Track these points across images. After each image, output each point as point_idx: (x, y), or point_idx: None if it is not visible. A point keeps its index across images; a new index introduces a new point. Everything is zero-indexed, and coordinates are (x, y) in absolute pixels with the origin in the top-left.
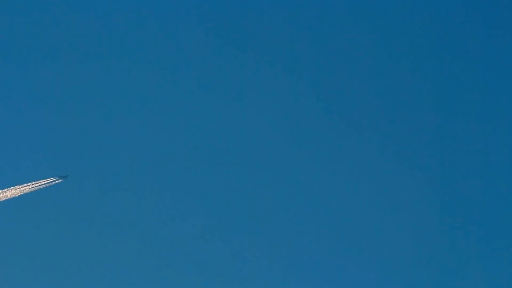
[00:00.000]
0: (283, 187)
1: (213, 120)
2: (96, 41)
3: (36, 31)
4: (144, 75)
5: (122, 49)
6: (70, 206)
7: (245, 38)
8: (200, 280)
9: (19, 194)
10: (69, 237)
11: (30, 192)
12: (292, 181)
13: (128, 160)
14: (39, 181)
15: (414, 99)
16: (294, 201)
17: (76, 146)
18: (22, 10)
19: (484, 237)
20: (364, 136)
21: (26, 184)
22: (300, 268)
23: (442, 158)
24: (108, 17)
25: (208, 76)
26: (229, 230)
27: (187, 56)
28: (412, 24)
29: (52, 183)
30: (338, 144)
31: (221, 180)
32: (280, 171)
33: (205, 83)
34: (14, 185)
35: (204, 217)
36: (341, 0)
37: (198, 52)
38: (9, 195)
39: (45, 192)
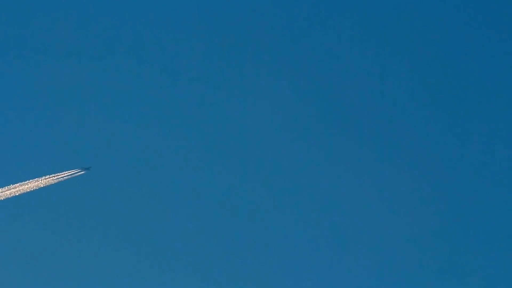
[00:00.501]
0: (282, 188)
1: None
2: (117, 37)
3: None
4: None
5: (137, 47)
6: (92, 197)
7: (244, 38)
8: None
9: (42, 186)
10: (92, 229)
11: (53, 183)
12: (291, 182)
13: (152, 154)
14: (62, 173)
15: (413, 98)
16: (294, 202)
17: (100, 138)
18: (22, 10)
19: (485, 237)
20: (363, 137)
21: (49, 176)
22: (299, 269)
23: (443, 159)
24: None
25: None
26: (238, 230)
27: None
28: (411, 23)
29: (75, 175)
30: (338, 146)
31: (233, 174)
32: (280, 172)
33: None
34: (37, 177)
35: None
36: (340, 1)
37: (201, 51)
38: (32, 187)
39: (68, 184)
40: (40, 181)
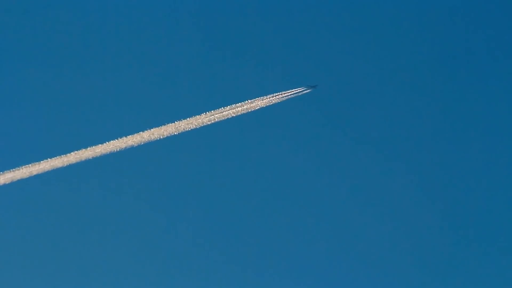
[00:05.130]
0: (282, 191)
1: None
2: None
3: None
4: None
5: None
6: (315, 117)
7: (240, 39)
8: None
9: (266, 105)
10: (310, 146)
11: (278, 102)
12: (291, 184)
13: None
14: (287, 91)
15: (411, 98)
16: (293, 204)
17: (326, 56)
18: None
19: (485, 238)
20: (363, 138)
21: (273, 94)
22: (300, 272)
23: (443, 160)
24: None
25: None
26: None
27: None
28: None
29: (300, 93)
30: (338, 148)
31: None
32: (279, 174)
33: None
34: (261, 96)
35: None
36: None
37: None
38: (256, 106)
39: (292, 102)
40: (263, 101)
